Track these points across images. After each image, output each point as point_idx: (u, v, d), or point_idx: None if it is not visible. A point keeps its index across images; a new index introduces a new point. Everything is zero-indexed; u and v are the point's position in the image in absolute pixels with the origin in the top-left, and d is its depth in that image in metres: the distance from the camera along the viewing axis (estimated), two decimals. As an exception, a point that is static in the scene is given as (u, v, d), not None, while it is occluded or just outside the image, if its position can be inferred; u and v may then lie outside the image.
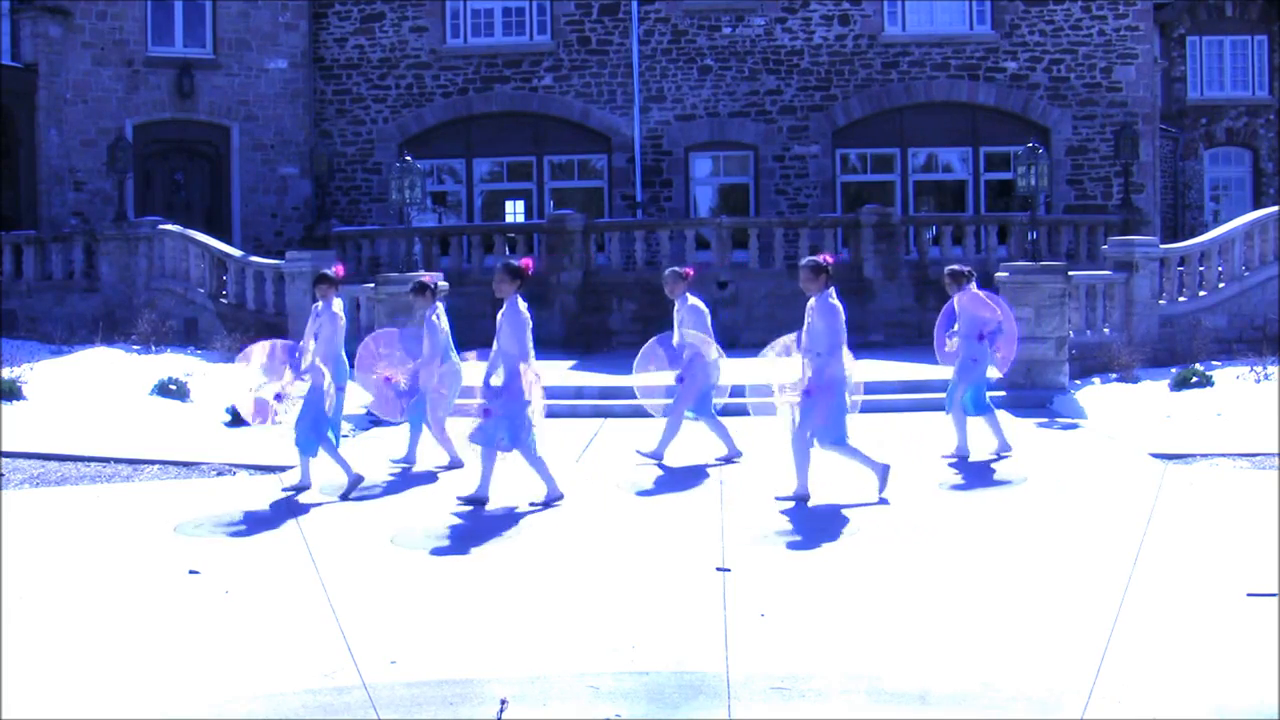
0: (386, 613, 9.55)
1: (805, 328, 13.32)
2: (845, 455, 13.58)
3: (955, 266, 16.62)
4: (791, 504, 13.23)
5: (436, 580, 10.58)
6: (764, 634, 8.85)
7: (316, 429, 14.37)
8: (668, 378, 16.25)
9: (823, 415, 13.25)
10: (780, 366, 13.54)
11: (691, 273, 16.57)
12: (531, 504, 13.35)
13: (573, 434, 17.82)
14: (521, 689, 7.82)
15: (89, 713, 7.58)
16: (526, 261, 13.87)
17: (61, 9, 30.94)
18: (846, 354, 13.39)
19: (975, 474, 14.95)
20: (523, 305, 13.43)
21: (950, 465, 15.54)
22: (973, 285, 16.19)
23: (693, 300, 16.06)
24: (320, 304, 14.94)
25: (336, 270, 15.22)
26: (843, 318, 13.30)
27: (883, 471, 13.56)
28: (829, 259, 13.66)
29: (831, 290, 13.34)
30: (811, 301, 13.33)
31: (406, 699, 7.77)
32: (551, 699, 7.78)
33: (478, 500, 13.45)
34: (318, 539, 11.80)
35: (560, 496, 13.49)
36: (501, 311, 13.43)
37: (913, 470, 14.98)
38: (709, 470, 15.30)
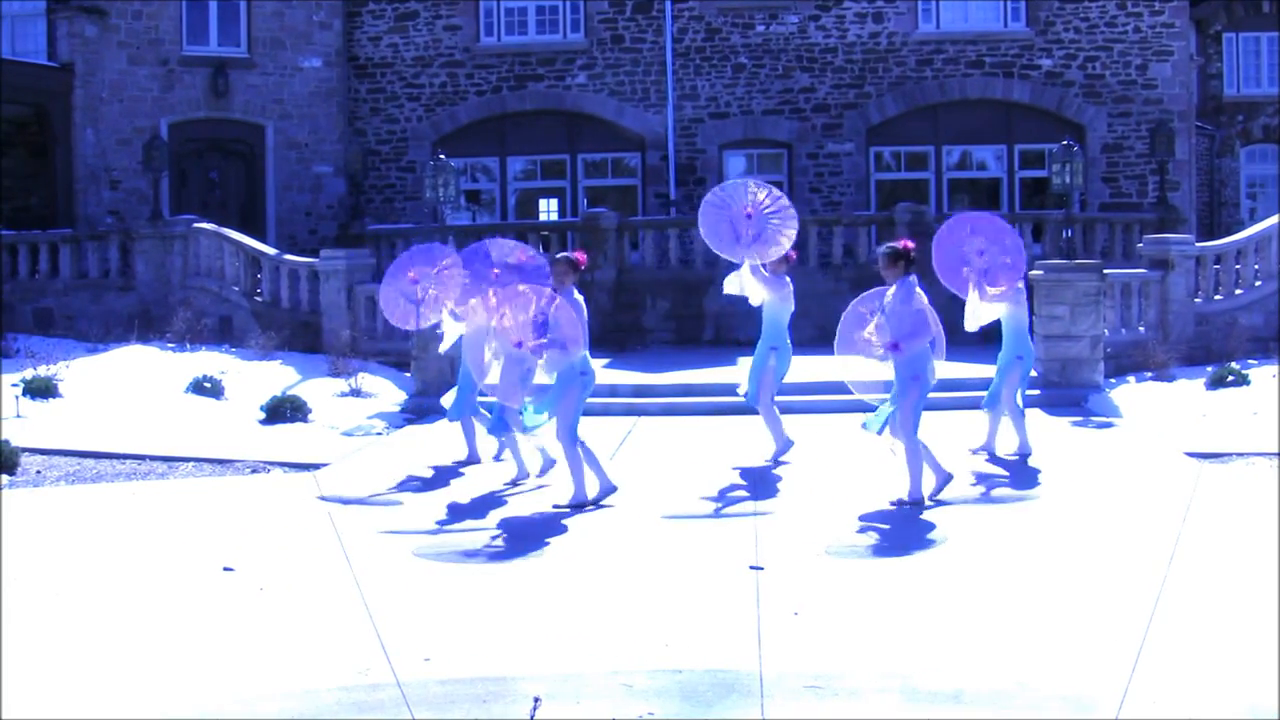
0: (420, 610, 9.57)
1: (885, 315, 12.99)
2: (909, 451, 13.14)
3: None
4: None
5: (468, 578, 10.60)
6: (798, 632, 8.84)
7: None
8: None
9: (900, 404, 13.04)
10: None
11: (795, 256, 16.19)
12: (555, 506, 13.35)
13: (606, 432, 17.84)
14: (554, 687, 7.82)
15: (123, 707, 7.61)
16: (581, 255, 13.87)
17: (97, 8, 31.08)
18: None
19: (1009, 474, 14.89)
20: (579, 296, 13.34)
21: (990, 462, 15.44)
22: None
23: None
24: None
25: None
26: (926, 303, 13.00)
27: (944, 479, 13.27)
28: (909, 244, 13.41)
29: (913, 276, 13.10)
30: (891, 289, 13.09)
31: (440, 696, 7.78)
32: (584, 697, 7.78)
33: (579, 505, 13.19)
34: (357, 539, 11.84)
35: (608, 491, 13.34)
36: (555, 304, 13.13)
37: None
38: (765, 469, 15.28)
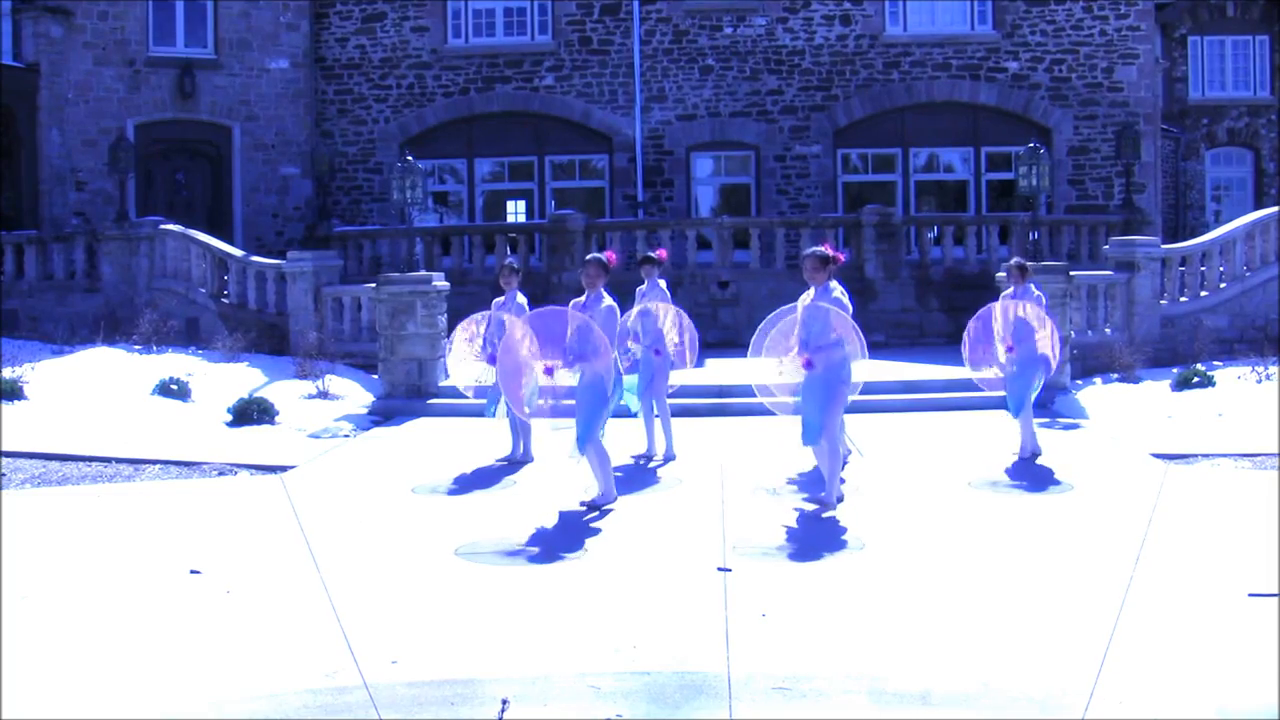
0: (388, 612, 9.55)
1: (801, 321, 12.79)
2: (831, 456, 13.03)
3: (1021, 259, 16.50)
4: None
5: (438, 580, 10.58)
6: (765, 634, 8.85)
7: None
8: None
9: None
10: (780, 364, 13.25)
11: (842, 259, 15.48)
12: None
13: (568, 434, 17.79)
14: (522, 689, 7.81)
15: (89, 712, 7.58)
16: (610, 255, 13.69)
17: (63, 9, 30.94)
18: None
19: (977, 476, 14.92)
20: (610, 300, 13.18)
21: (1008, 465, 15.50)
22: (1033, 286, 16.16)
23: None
24: (646, 284, 16.22)
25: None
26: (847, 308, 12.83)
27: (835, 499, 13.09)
28: (830, 248, 13.17)
29: (834, 282, 12.89)
30: (810, 293, 13.01)
31: (407, 699, 7.77)
32: (552, 699, 7.77)
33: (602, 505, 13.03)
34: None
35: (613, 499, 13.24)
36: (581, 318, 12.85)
37: (916, 471, 14.99)
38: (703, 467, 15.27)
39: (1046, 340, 15.76)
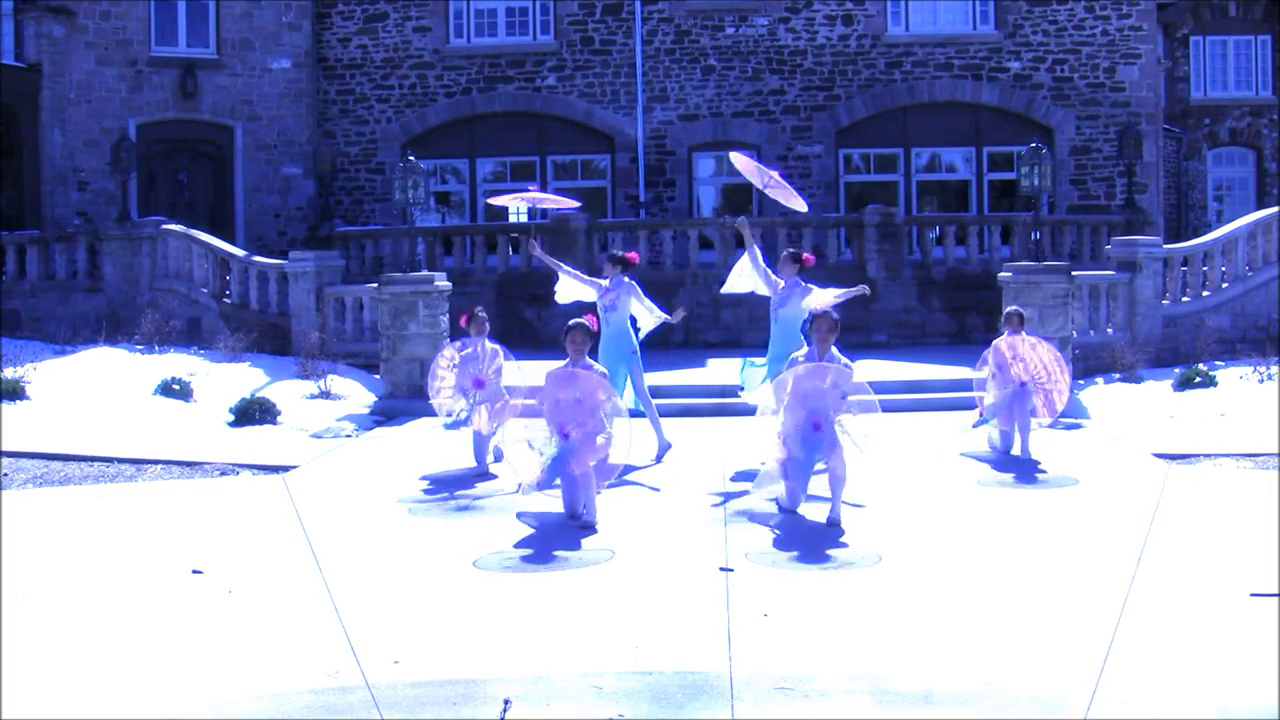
0: (390, 612, 9.55)
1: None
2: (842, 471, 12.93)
3: (1020, 309, 16.63)
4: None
5: (439, 581, 10.58)
6: (767, 634, 8.85)
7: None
8: None
9: None
10: None
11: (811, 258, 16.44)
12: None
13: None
14: (524, 689, 7.81)
15: (91, 712, 7.58)
16: (592, 318, 13.50)
17: (65, 9, 30.94)
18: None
19: (980, 475, 14.92)
20: (600, 370, 13.14)
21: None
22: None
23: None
24: (609, 281, 16.29)
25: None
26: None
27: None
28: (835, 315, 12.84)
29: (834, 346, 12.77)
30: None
31: (410, 699, 7.77)
32: (554, 699, 7.77)
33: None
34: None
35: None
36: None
37: (915, 470, 14.98)
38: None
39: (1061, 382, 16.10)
